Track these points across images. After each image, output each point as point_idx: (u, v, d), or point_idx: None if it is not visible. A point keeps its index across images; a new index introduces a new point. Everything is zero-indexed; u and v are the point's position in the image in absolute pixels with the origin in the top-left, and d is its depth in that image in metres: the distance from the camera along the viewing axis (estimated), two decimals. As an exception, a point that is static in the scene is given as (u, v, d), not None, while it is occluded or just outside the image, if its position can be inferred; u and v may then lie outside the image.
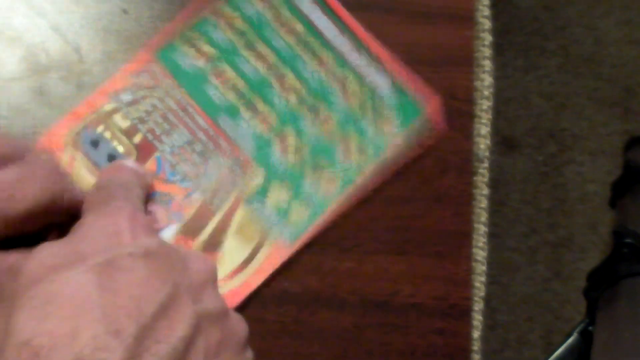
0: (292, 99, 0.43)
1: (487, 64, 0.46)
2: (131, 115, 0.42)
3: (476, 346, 0.44)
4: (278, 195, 0.42)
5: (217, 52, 0.43)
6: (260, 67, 0.43)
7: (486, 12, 0.46)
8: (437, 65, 0.45)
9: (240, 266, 0.42)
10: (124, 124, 0.42)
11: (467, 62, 0.45)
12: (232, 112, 0.43)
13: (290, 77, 0.43)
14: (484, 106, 0.46)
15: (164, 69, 0.43)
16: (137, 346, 0.27)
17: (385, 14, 0.45)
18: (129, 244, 0.32)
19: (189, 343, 0.29)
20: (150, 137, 0.42)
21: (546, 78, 1.26)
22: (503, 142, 1.22)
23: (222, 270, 0.42)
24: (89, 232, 0.32)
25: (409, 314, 0.43)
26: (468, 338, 0.43)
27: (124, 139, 0.42)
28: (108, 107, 0.42)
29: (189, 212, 0.42)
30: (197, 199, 0.42)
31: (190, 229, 0.42)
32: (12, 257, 0.32)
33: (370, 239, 0.43)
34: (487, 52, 0.46)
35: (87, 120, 0.42)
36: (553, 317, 1.18)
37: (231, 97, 0.43)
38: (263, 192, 0.42)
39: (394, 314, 0.43)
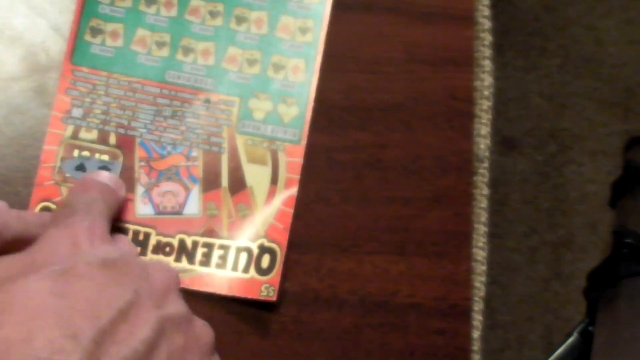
0: (214, 21, 0.43)
1: (487, 64, 0.46)
2: (93, 124, 0.42)
3: (476, 346, 0.44)
4: (260, 106, 0.43)
5: (122, 24, 0.43)
6: (168, 12, 0.43)
7: (486, 12, 0.46)
8: (437, 65, 0.45)
9: (271, 188, 0.42)
10: (92, 135, 0.42)
11: (467, 62, 0.45)
12: (171, 64, 0.43)
13: (200, 3, 0.43)
14: (484, 106, 0.46)
15: (88, 68, 0.43)
16: (95, 348, 0.27)
17: (385, 14, 0.45)
18: (86, 253, 0.32)
19: (151, 346, 0.30)
20: (122, 131, 0.43)
21: (546, 78, 1.26)
22: (503, 142, 1.22)
23: (259, 201, 0.42)
24: (47, 244, 0.33)
25: (408, 314, 0.43)
26: (468, 338, 0.43)
27: (101, 147, 0.42)
28: (68, 131, 0.42)
29: (198, 169, 0.42)
30: (196, 154, 0.42)
31: (210, 182, 0.42)
32: None
33: (370, 239, 0.43)
34: (487, 52, 0.46)
35: (60, 154, 0.42)
36: (553, 317, 1.18)
37: (161, 52, 0.43)
38: (246, 112, 0.43)
39: (394, 314, 0.43)
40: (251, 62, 0.43)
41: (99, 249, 0.33)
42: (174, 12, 0.43)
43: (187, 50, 0.43)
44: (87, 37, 0.43)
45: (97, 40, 0.43)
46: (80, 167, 0.42)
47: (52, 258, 0.31)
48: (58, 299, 0.28)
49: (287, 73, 0.43)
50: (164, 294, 0.33)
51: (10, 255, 0.32)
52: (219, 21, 0.43)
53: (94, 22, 0.43)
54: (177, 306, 0.33)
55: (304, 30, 0.44)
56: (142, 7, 0.43)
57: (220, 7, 0.43)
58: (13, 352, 0.26)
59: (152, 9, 0.43)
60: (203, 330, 0.34)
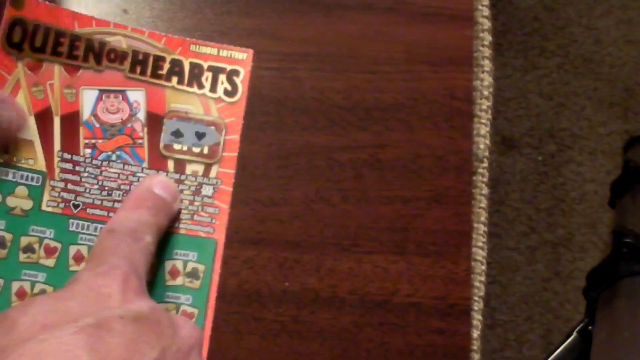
0: None
1: (487, 64, 0.46)
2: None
3: (476, 345, 0.44)
4: None
5: None
6: None
7: (486, 12, 0.46)
8: (437, 65, 0.45)
9: None
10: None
11: (466, 62, 0.45)
12: None
13: None
14: (484, 106, 0.46)
15: None
16: None
17: (385, 14, 0.45)
18: (119, 306, 0.33)
19: None
20: None
21: (546, 78, 1.26)
22: (502, 142, 1.22)
23: None
24: (81, 291, 0.33)
25: (408, 313, 0.43)
26: (467, 337, 0.43)
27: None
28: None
29: None
30: None
31: None
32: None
33: (369, 238, 0.43)
34: (486, 52, 0.46)
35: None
36: (552, 316, 1.18)
37: None
38: None
39: (394, 314, 0.43)
40: None
41: (133, 303, 0.33)
42: None
43: None
44: None
45: None
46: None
47: (84, 308, 0.32)
48: (91, 354, 0.29)
49: None
50: (188, 353, 0.34)
51: (43, 296, 0.33)
52: None
53: None
54: None
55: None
56: None
57: None
58: None
59: None
60: None
